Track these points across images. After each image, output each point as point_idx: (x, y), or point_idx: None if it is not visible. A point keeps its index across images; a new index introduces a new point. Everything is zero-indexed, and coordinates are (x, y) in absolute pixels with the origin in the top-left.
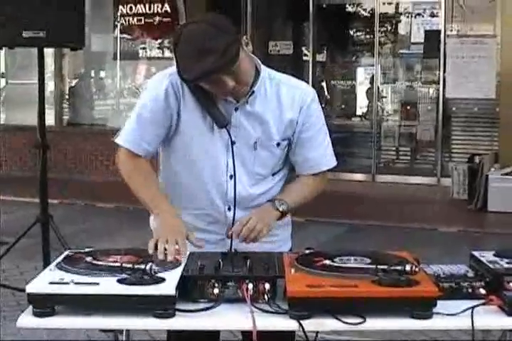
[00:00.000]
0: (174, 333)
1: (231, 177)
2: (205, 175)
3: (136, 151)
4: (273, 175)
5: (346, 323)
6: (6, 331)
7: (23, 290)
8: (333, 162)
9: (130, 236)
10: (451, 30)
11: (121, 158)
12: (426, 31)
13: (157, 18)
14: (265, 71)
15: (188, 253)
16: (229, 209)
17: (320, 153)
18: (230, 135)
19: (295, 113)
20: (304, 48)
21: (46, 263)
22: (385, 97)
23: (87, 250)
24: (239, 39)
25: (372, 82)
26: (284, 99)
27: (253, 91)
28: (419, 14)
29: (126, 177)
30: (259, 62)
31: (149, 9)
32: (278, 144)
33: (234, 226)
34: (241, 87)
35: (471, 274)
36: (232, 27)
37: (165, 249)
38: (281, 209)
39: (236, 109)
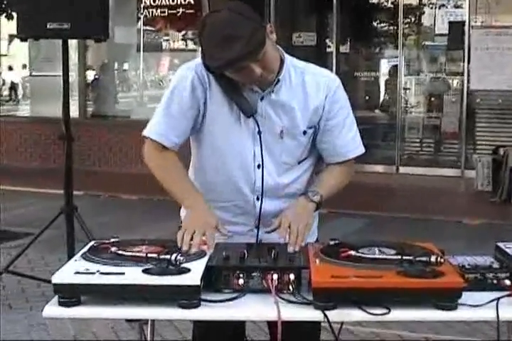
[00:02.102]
0: (200, 324)
1: (259, 166)
2: (233, 165)
3: (163, 143)
4: (299, 163)
5: (371, 314)
6: (32, 321)
7: (49, 281)
8: (361, 150)
9: (155, 227)
10: (476, 22)
11: (148, 151)
12: (450, 22)
13: (180, 10)
14: (289, 60)
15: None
16: (257, 198)
17: (348, 140)
18: (257, 124)
19: (320, 100)
20: (327, 40)
21: (71, 254)
22: (409, 89)
23: (112, 240)
24: (264, 26)
25: (396, 73)
26: (308, 87)
27: (278, 80)
28: (443, 5)
29: (154, 170)
30: (283, 51)
31: (173, 1)
32: (304, 132)
33: (277, 226)
34: (268, 74)
35: (496, 265)
36: (256, 14)
37: (191, 240)
38: (315, 199)
39: (262, 99)
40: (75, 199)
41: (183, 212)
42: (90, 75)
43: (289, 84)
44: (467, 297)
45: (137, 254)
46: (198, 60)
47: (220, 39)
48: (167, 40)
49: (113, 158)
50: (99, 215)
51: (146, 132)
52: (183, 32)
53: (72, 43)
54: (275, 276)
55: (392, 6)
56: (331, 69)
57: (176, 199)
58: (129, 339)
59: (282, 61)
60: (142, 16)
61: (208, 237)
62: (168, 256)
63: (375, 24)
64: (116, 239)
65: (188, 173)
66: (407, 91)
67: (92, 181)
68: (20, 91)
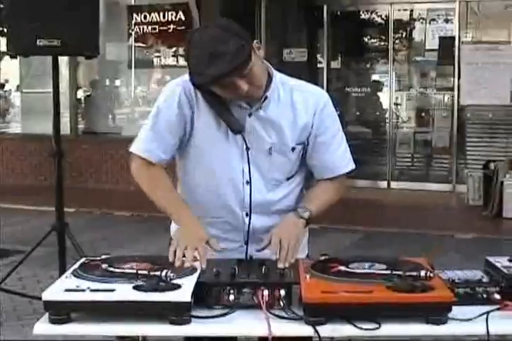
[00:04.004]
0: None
1: (247, 182)
2: (222, 182)
3: (151, 159)
4: (288, 179)
5: (361, 329)
6: (24, 339)
7: (40, 298)
8: (351, 165)
9: (146, 244)
10: (466, 37)
11: (136, 167)
12: (440, 38)
13: (171, 26)
14: (277, 76)
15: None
16: (246, 215)
17: (337, 156)
18: (245, 141)
19: (309, 117)
20: (318, 55)
21: (62, 271)
22: (400, 104)
23: (103, 257)
24: (250, 42)
25: (386, 89)
26: (297, 103)
27: (266, 97)
28: (433, 20)
29: (143, 186)
30: (271, 67)
31: (163, 17)
32: (293, 149)
33: (267, 244)
34: (255, 90)
35: (486, 279)
36: (242, 30)
37: (184, 256)
38: (305, 216)
39: (250, 115)
40: (67, 216)
41: (173, 228)
42: (81, 92)
43: (277, 100)
44: (457, 311)
45: (128, 271)
46: (186, 76)
47: (206, 55)
48: (158, 56)
49: (104, 175)
50: (91, 232)
51: (133, 148)
52: (174, 48)
53: (63, 60)
54: (266, 292)
55: (382, 21)
56: (322, 85)
57: (166, 213)
58: None
59: (270, 77)
60: (133, 33)
61: (200, 252)
62: (158, 273)
63: (365, 40)
64: (107, 256)
65: (175, 188)
66: (398, 106)
67: (84, 198)
68: (10, 108)
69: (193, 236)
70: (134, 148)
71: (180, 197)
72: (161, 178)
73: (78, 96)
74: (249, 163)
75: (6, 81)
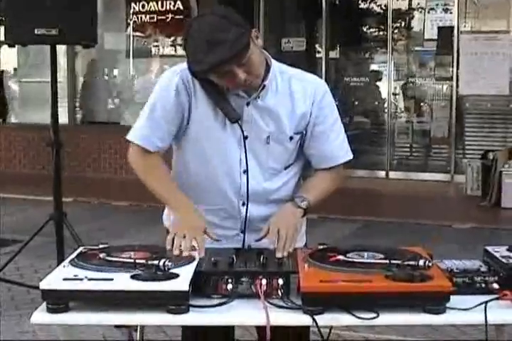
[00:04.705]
0: (189, 329)
1: (245, 171)
2: (219, 171)
3: (147, 147)
4: (285, 168)
5: (359, 318)
6: (22, 328)
7: (38, 288)
8: (349, 155)
9: (145, 234)
10: (465, 26)
11: (132, 155)
12: (439, 27)
13: (169, 16)
14: (276, 65)
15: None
16: (243, 204)
17: (335, 145)
18: (242, 130)
19: (307, 106)
20: (316, 45)
21: (60, 261)
22: (398, 94)
23: (100, 246)
24: (249, 30)
25: (385, 78)
26: (296, 92)
27: (264, 85)
28: (432, 9)
29: (140, 174)
30: (269, 56)
31: (162, 7)
32: (291, 138)
33: (265, 234)
34: (253, 79)
35: (484, 269)
36: (241, 19)
37: (181, 245)
38: (303, 205)
39: (248, 104)
40: (65, 205)
41: (165, 217)
42: (79, 81)
43: (275, 89)
44: (455, 301)
45: (125, 260)
46: (184, 64)
47: (204, 43)
48: (156, 45)
49: (103, 164)
50: (89, 222)
51: (129, 136)
52: (173, 38)
53: (61, 49)
54: (264, 281)
55: (381, 11)
56: (320, 75)
57: (162, 201)
58: None
59: (268, 66)
60: (131, 22)
61: (198, 241)
62: (156, 262)
63: (364, 29)
64: (105, 245)
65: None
66: (397, 96)
67: (82, 187)
68: (10, 98)
69: (192, 225)
70: (131, 136)
71: (176, 184)
72: (158, 167)
73: (76, 86)
74: (246, 152)
75: (15, 69)
